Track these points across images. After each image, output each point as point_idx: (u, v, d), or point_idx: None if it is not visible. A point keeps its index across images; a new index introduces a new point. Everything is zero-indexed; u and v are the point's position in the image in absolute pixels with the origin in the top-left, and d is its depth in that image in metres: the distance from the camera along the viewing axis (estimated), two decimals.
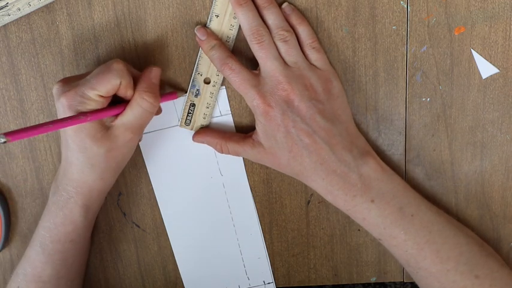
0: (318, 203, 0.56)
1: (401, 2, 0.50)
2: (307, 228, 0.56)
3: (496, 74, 0.51)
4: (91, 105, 0.46)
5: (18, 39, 0.53)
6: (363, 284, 0.59)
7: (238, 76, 0.48)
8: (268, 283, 0.58)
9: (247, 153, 0.51)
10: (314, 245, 0.57)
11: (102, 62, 0.53)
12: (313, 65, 0.50)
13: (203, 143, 0.53)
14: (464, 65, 0.51)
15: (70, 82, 0.48)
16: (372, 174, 0.49)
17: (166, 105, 0.53)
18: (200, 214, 0.56)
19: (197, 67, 0.52)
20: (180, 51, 0.53)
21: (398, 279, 0.57)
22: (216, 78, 0.52)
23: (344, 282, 0.58)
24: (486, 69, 0.51)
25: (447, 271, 0.48)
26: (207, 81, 0.52)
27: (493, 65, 0.51)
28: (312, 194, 0.55)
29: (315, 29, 0.51)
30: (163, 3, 0.51)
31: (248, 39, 0.49)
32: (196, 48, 0.52)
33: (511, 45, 0.51)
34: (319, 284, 0.58)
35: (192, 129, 0.54)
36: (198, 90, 0.52)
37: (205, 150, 0.54)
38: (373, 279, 0.58)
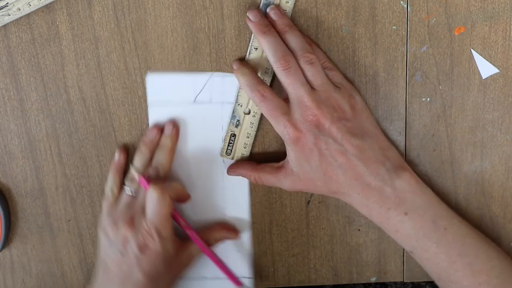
0: (318, 203, 0.56)
1: (401, 2, 0.50)
2: (307, 228, 0.56)
3: (496, 74, 0.51)
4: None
5: (18, 39, 0.53)
6: (363, 284, 0.59)
7: (269, 103, 0.48)
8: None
9: (282, 183, 0.51)
10: (314, 245, 0.57)
11: (102, 62, 0.53)
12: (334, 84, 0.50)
13: (238, 175, 0.54)
14: (464, 65, 0.51)
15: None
16: (406, 187, 0.49)
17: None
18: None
19: (237, 99, 0.52)
20: (180, 51, 0.53)
21: (399, 279, 0.57)
22: (255, 109, 0.52)
23: (344, 282, 0.58)
24: (486, 69, 0.51)
25: (479, 284, 0.47)
26: (246, 112, 0.52)
27: (493, 65, 0.51)
28: (312, 194, 0.55)
29: (315, 29, 0.51)
30: (163, 3, 0.51)
31: (274, 66, 0.48)
32: (197, 48, 0.52)
33: (511, 45, 0.51)
34: (319, 284, 0.58)
35: (233, 159, 0.54)
36: (238, 121, 0.52)
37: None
38: (373, 279, 0.58)
